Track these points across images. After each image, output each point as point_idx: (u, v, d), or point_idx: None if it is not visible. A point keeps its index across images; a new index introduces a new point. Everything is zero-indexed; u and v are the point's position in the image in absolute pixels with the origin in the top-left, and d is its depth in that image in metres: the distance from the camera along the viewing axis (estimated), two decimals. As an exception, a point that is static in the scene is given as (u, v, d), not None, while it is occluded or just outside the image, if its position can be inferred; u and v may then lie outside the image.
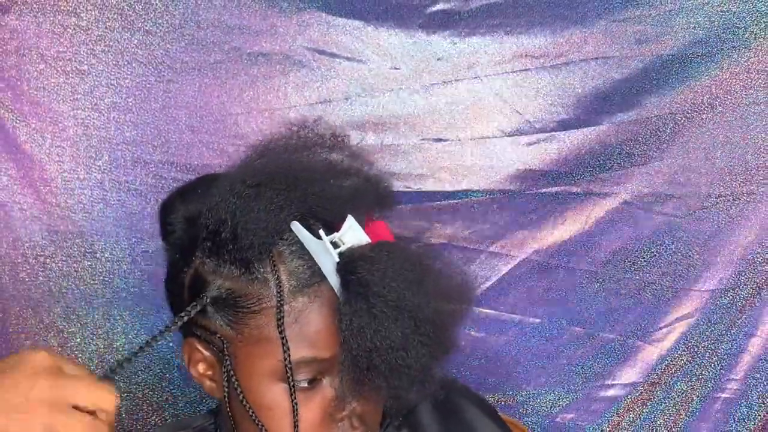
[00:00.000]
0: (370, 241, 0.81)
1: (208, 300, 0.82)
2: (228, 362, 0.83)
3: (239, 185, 0.82)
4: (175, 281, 0.88)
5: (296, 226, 0.81)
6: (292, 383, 0.80)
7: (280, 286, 0.79)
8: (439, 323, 0.79)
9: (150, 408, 1.37)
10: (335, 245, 0.80)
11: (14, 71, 1.29)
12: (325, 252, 0.79)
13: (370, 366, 0.77)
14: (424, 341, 0.78)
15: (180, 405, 1.37)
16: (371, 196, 0.87)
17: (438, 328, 0.79)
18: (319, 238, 0.80)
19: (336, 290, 0.79)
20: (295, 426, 0.82)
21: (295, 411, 0.81)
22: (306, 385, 0.82)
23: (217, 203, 0.82)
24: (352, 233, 0.81)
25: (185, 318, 0.81)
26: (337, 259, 0.79)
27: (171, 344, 1.33)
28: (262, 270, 0.81)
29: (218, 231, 0.82)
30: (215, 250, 0.82)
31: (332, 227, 0.82)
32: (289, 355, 0.79)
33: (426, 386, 0.82)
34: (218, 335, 0.83)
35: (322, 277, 0.80)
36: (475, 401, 1.02)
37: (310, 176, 0.84)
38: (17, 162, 1.30)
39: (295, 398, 0.81)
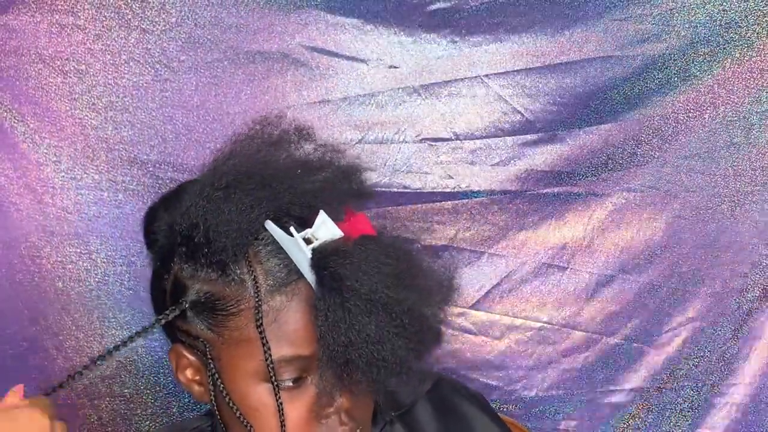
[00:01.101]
0: (343, 235, 0.81)
1: (187, 305, 0.82)
2: (212, 365, 0.83)
3: (208, 188, 0.82)
4: (157, 288, 0.88)
5: (270, 225, 0.81)
6: (275, 382, 0.80)
7: (257, 286, 0.80)
8: (416, 316, 0.78)
9: (144, 414, 1.35)
10: (308, 241, 0.80)
11: (12, 71, 1.29)
12: (298, 248, 0.79)
13: (348, 360, 0.77)
14: (400, 334, 0.77)
15: (173, 411, 1.36)
16: (345, 188, 0.86)
17: (416, 321, 0.78)
18: (292, 235, 0.80)
19: (313, 287, 0.79)
20: (282, 425, 0.81)
21: (280, 410, 0.81)
22: (291, 384, 0.82)
23: (188, 208, 0.82)
24: (325, 228, 0.80)
25: (162, 321, 0.82)
26: (310, 255, 0.79)
27: (166, 349, 1.32)
28: (238, 271, 0.81)
29: (191, 236, 0.82)
30: (191, 254, 0.83)
31: (307, 223, 0.82)
32: (270, 355, 0.80)
33: (406, 379, 0.81)
34: (201, 339, 0.83)
35: (300, 275, 0.80)
36: (471, 398, 1.02)
37: (279, 173, 0.84)
38: (14, 162, 1.30)
39: (279, 397, 0.81)
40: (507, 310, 1.42)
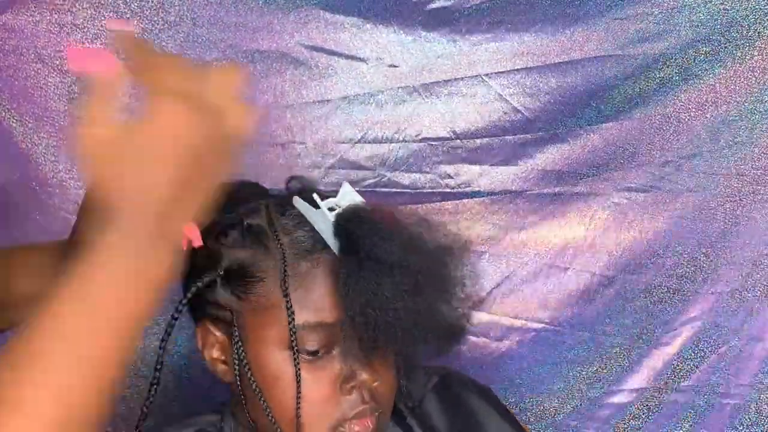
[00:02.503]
0: (364, 201, 0.85)
1: (221, 272, 0.86)
2: (237, 334, 0.85)
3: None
4: (192, 263, 0.89)
5: (297, 200, 0.86)
6: (295, 348, 0.82)
7: (283, 251, 0.84)
8: (433, 278, 0.81)
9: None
10: (332, 210, 0.84)
11: (11, 70, 1.29)
12: (323, 218, 0.83)
13: (367, 322, 0.79)
14: (415, 294, 0.80)
15: (174, 410, 1.35)
16: None
17: (432, 283, 0.81)
18: (318, 207, 0.84)
19: (337, 254, 0.83)
20: (298, 393, 0.83)
21: (298, 377, 0.83)
22: (314, 354, 0.84)
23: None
24: (349, 197, 0.85)
25: (200, 286, 0.85)
26: (332, 220, 0.82)
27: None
28: (267, 240, 0.85)
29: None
30: (225, 227, 0.88)
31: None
32: (293, 319, 0.82)
33: (426, 341, 0.83)
34: (227, 309, 0.86)
35: (325, 246, 0.84)
36: (480, 392, 1.04)
37: None
38: (13, 161, 1.30)
39: (298, 364, 0.83)
40: (508, 310, 1.42)
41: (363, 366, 0.84)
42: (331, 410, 0.84)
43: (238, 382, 0.87)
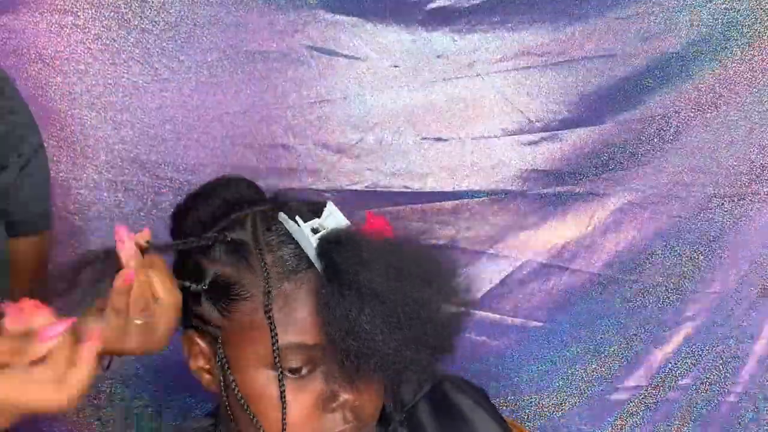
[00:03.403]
0: (349, 224, 0.83)
1: (205, 287, 0.84)
2: (221, 350, 0.85)
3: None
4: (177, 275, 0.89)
5: (282, 216, 0.84)
6: (279, 368, 0.81)
7: (267, 271, 0.82)
8: (415, 310, 0.78)
9: (144, 414, 1.36)
10: (316, 231, 0.82)
11: (12, 70, 1.27)
12: (307, 238, 0.81)
13: (347, 349, 0.78)
14: (396, 326, 0.77)
15: (173, 411, 1.37)
16: None
17: (414, 315, 0.78)
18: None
19: (322, 271, 0.81)
20: (283, 411, 0.82)
21: (283, 397, 0.82)
22: (297, 374, 0.83)
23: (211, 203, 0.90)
24: (333, 218, 0.83)
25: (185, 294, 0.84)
26: (315, 244, 0.81)
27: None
28: (251, 257, 0.83)
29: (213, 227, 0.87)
30: (209, 243, 0.86)
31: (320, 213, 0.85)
32: (276, 340, 0.81)
33: (408, 374, 0.81)
34: (212, 324, 0.85)
35: (310, 265, 0.82)
36: (472, 395, 1.02)
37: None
38: (14, 161, 1.30)
39: (282, 384, 0.82)
40: (507, 309, 1.42)
41: (345, 386, 0.83)
42: (314, 428, 0.84)
43: (225, 396, 0.87)
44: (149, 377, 1.35)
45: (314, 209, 0.86)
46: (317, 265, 0.81)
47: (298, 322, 0.81)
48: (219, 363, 0.85)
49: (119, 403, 1.34)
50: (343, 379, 0.82)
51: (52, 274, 0.76)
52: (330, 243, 0.80)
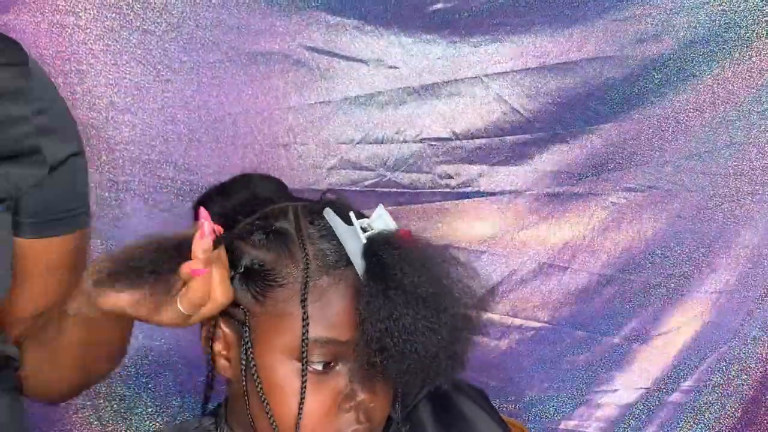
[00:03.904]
0: (397, 227, 0.83)
1: (242, 269, 0.85)
2: (248, 334, 0.85)
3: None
4: None
5: (328, 212, 0.85)
6: (305, 361, 0.82)
7: (307, 262, 0.83)
8: (454, 316, 0.80)
9: (144, 414, 1.36)
10: (364, 230, 0.83)
11: (13, 71, 1.29)
12: (353, 236, 0.82)
13: (382, 348, 0.78)
14: (435, 330, 0.78)
15: (173, 411, 1.37)
16: None
17: (451, 321, 0.79)
18: (350, 223, 0.83)
19: (360, 275, 0.81)
20: (301, 404, 0.83)
21: (303, 389, 0.82)
22: (320, 368, 0.83)
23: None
24: (381, 220, 0.83)
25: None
26: (365, 241, 0.81)
27: (167, 349, 1.34)
28: (293, 246, 0.84)
29: (254, 210, 0.89)
30: (251, 226, 0.87)
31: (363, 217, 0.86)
32: (307, 332, 0.81)
33: (434, 377, 0.83)
34: (242, 307, 0.85)
35: (349, 263, 0.83)
36: (472, 395, 1.02)
37: None
38: (15, 162, 1.30)
39: (305, 377, 0.82)
40: (507, 309, 1.42)
41: (364, 386, 0.84)
42: (329, 425, 0.84)
43: (244, 382, 0.87)
44: (149, 377, 1.35)
45: (355, 208, 0.87)
46: (359, 264, 0.81)
47: (331, 317, 0.82)
48: (243, 348, 0.85)
49: (119, 402, 1.34)
50: (365, 379, 0.83)
51: (125, 254, 0.78)
52: (380, 242, 0.81)
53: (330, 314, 0.82)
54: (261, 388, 0.84)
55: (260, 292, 0.84)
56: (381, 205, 0.84)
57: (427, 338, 0.78)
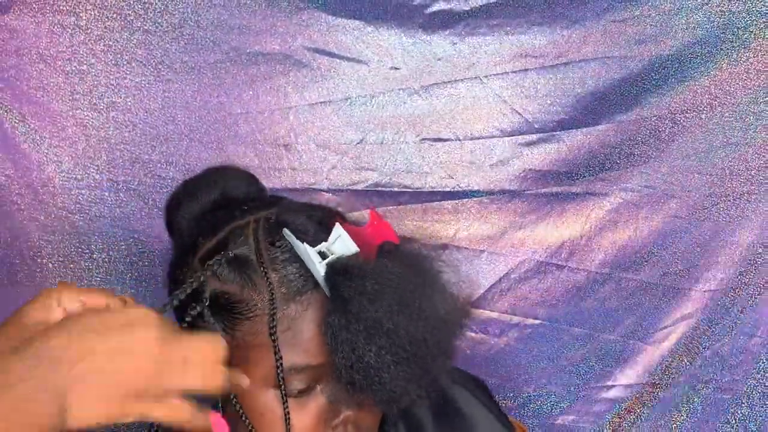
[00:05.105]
0: (357, 251, 0.79)
1: (206, 303, 0.81)
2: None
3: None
4: (175, 279, 0.87)
5: (287, 233, 0.81)
6: (283, 391, 0.80)
7: (272, 294, 0.79)
8: (421, 345, 0.76)
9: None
10: (324, 255, 0.79)
11: (13, 71, 1.28)
12: (313, 261, 0.79)
13: (351, 380, 0.77)
14: (402, 362, 0.76)
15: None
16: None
17: (421, 351, 0.76)
18: (311, 243, 0.79)
19: (329, 296, 0.79)
20: (288, 430, 0.81)
21: (287, 418, 0.81)
22: (299, 392, 0.81)
23: (208, 213, 0.87)
24: (341, 243, 0.79)
25: (172, 305, 0.81)
26: (323, 272, 0.78)
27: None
28: (255, 276, 0.80)
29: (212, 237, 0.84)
30: (211, 254, 0.83)
31: (328, 228, 0.82)
32: (281, 363, 0.79)
33: (411, 402, 0.80)
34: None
35: (316, 284, 0.80)
36: (467, 385, 1.02)
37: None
38: (15, 162, 1.30)
39: (287, 406, 0.80)
40: (505, 307, 1.43)
41: (347, 403, 0.82)
42: None
43: (222, 413, 0.85)
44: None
45: (318, 218, 0.83)
46: (324, 286, 0.78)
47: (302, 343, 0.79)
48: None
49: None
50: (344, 398, 0.81)
51: None
52: (337, 273, 0.77)
53: (302, 341, 0.79)
54: (246, 417, 0.82)
55: (229, 325, 0.81)
56: (337, 224, 0.80)
57: (394, 371, 0.75)
